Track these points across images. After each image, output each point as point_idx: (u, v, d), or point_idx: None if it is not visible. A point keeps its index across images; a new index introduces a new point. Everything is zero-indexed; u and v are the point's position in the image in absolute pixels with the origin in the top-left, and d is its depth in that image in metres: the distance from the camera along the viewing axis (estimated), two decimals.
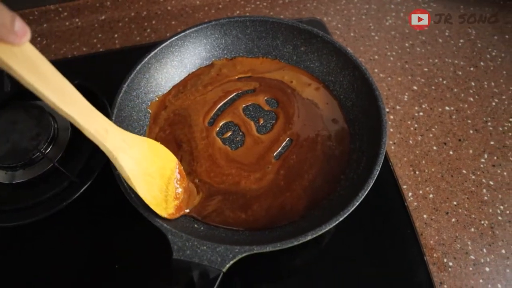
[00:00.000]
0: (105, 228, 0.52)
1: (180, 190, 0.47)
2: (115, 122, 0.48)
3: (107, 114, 0.50)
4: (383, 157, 0.44)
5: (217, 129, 0.54)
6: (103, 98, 0.61)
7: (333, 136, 0.52)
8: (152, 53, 0.54)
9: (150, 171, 0.43)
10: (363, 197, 0.42)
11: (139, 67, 0.52)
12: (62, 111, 0.32)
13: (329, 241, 0.51)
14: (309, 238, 0.40)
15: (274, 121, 0.54)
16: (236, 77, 0.58)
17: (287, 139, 0.52)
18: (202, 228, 0.45)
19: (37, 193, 0.53)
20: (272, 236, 0.45)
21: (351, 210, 0.41)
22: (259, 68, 0.58)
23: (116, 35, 0.74)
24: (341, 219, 0.41)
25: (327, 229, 0.40)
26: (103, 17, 0.76)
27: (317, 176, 0.49)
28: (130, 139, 0.41)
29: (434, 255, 0.52)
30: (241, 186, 0.49)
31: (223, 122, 0.54)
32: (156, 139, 0.52)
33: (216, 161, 0.51)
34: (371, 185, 0.43)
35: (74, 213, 0.53)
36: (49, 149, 0.56)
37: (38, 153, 0.54)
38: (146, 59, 0.53)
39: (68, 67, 0.68)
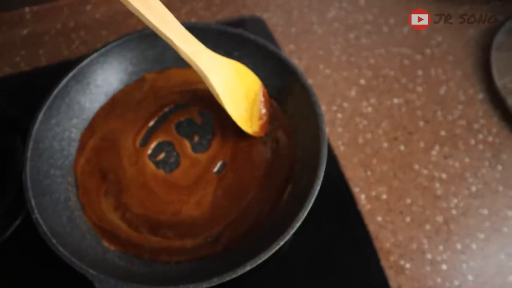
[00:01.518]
0: (32, 278, 0.47)
1: (264, 111, 0.50)
2: (32, 156, 0.44)
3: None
4: (323, 171, 0.41)
5: (149, 151, 0.49)
6: (25, 126, 0.55)
7: (274, 146, 0.49)
8: (70, 75, 0.48)
9: (236, 91, 0.47)
10: (303, 217, 0.39)
11: (55, 92, 0.47)
12: (162, 34, 0.40)
13: (283, 254, 0.49)
14: (248, 268, 0.37)
15: (210, 137, 0.50)
16: (170, 90, 0.54)
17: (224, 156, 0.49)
18: (136, 266, 0.42)
19: None
20: (211, 266, 0.41)
21: (291, 233, 0.38)
22: (192, 78, 0.54)
23: (41, 51, 0.68)
24: (281, 243, 0.38)
25: (266, 257, 0.37)
26: (24, 32, 0.69)
27: (258, 194, 0.46)
28: (219, 60, 0.45)
29: (391, 258, 0.51)
30: (183, 214, 0.46)
31: (155, 142, 0.50)
32: (81, 172, 0.48)
33: (152, 189, 0.46)
34: (311, 203, 0.40)
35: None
36: None
37: None
38: (63, 82, 0.48)
39: None
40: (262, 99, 0.50)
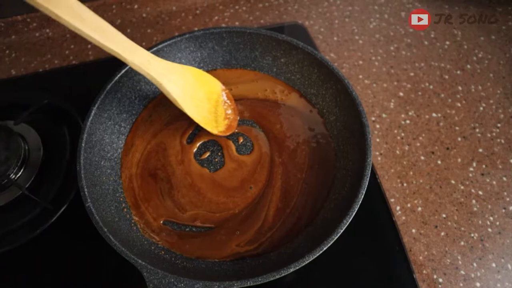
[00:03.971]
0: (80, 259, 0.49)
1: (230, 111, 0.52)
2: (85, 148, 0.46)
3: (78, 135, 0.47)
4: (367, 179, 0.42)
5: (195, 150, 0.51)
6: (77, 117, 0.58)
7: (317, 153, 0.50)
8: (123, 71, 0.50)
9: (197, 95, 0.48)
10: (347, 223, 0.40)
11: (109, 87, 0.49)
12: (107, 48, 0.39)
13: (314, 260, 0.50)
14: (291, 270, 0.38)
15: (254, 140, 0.52)
16: None
17: (268, 160, 0.50)
18: (179, 260, 0.43)
19: (8, 220, 0.51)
20: (253, 266, 0.42)
21: (335, 239, 0.39)
22: (233, 80, 0.56)
23: (89, 46, 0.71)
24: (325, 248, 0.39)
25: (310, 259, 0.38)
26: None
27: (299, 199, 0.47)
28: (173, 68, 0.46)
29: (424, 271, 0.51)
30: (232, 213, 0.47)
31: (201, 142, 0.52)
32: (132, 168, 0.50)
33: (200, 191, 0.48)
34: (355, 210, 0.41)
35: (47, 242, 0.51)
36: (20, 173, 0.53)
37: (7, 180, 0.51)
38: (116, 77, 0.50)
39: (39, 82, 0.67)
40: (226, 100, 0.52)
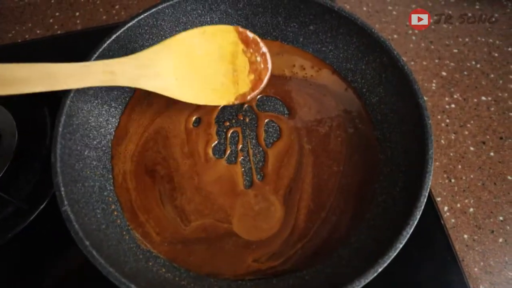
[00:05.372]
0: (60, 272, 0.41)
1: (258, 58, 0.40)
2: (63, 134, 0.36)
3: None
4: (430, 177, 0.32)
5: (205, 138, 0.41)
6: (61, 95, 0.48)
7: (355, 141, 0.40)
8: (113, 37, 0.40)
9: (200, 64, 0.39)
10: (408, 235, 0.30)
11: (95, 56, 0.39)
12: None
13: None
14: None
15: (278, 126, 0.42)
16: None
17: (297, 148, 0.40)
18: (186, 280, 0.33)
19: None
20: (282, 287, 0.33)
21: (392, 257, 0.30)
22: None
23: (77, 14, 0.61)
24: (380, 269, 0.29)
25: (362, 285, 0.29)
26: None
27: (338, 198, 0.37)
28: (153, 57, 0.37)
29: (481, 286, 0.42)
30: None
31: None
32: (125, 162, 0.40)
33: (210, 195, 0.38)
34: (417, 218, 0.31)
35: (20, 249, 0.43)
36: None
37: None
38: (105, 44, 0.40)
39: (18, 54, 0.57)
40: (245, 47, 0.40)
